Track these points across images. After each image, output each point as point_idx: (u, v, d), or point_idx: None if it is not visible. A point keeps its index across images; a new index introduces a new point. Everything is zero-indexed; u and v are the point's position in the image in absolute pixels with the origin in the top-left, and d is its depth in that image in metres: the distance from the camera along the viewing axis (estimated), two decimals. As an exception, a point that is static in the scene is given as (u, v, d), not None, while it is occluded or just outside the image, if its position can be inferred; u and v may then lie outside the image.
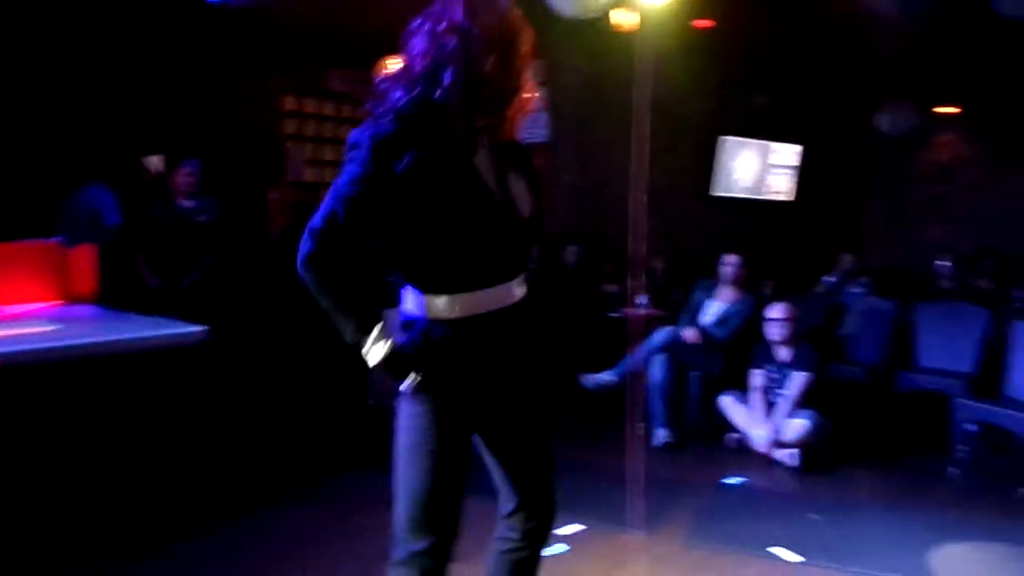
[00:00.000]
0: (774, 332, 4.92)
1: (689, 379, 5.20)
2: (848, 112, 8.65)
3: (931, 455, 4.82)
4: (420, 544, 1.85)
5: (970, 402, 4.71)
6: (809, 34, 7.37)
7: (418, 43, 1.76)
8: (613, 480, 4.30)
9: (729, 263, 5.38)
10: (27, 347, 3.32)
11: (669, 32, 5.93)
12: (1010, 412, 4.40)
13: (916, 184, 9.24)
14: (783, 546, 3.47)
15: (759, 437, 4.77)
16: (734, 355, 5.25)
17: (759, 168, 8.58)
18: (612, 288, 6.60)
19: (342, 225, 1.72)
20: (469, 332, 1.81)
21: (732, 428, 5.00)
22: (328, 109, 7.26)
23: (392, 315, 1.86)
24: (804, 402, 4.76)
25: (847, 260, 6.73)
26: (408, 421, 1.83)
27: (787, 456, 4.61)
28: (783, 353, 4.92)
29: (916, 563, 3.35)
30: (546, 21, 5.85)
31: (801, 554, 3.40)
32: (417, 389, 1.79)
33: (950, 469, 4.63)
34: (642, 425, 5.09)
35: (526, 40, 1.78)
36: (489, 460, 2.02)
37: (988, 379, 4.94)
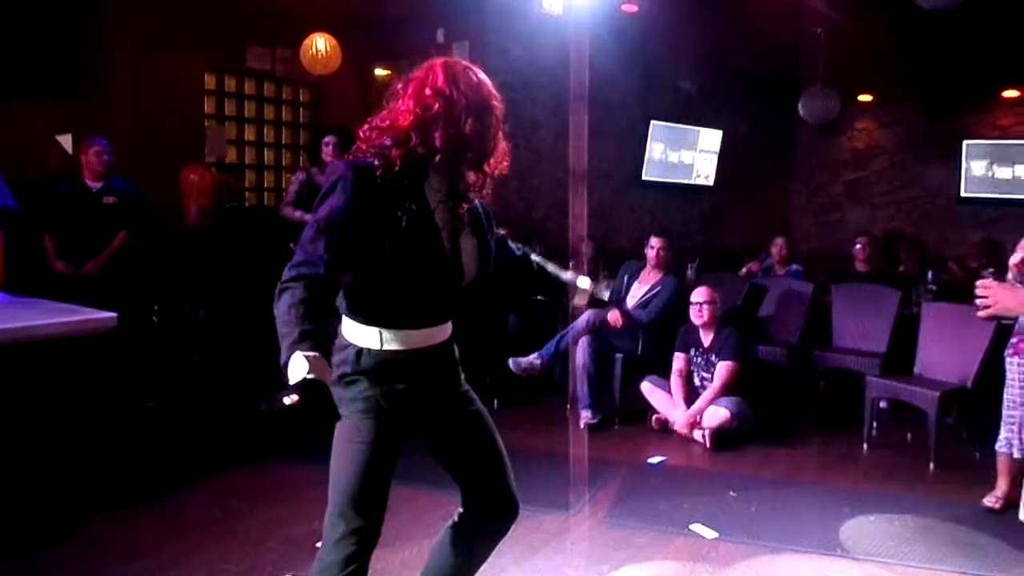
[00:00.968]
0: (696, 315, 5.00)
1: (613, 360, 5.26)
2: (772, 97, 8.83)
3: (845, 432, 4.99)
4: (350, 526, 1.93)
5: (881, 380, 4.88)
6: (733, 20, 7.48)
7: (404, 103, 1.91)
8: (538, 462, 4.34)
9: (653, 246, 5.45)
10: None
11: (597, 17, 5.95)
12: (919, 389, 4.57)
13: (834, 169, 9.51)
14: (701, 523, 3.54)
15: (678, 420, 4.86)
16: (658, 337, 5.32)
17: (685, 153, 8.70)
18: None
19: (322, 254, 1.78)
20: (396, 364, 1.95)
21: (655, 409, 5.08)
22: (249, 88, 7.07)
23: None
24: (729, 390, 4.85)
25: (779, 243, 6.88)
26: (347, 415, 1.88)
27: (706, 436, 4.71)
28: (707, 337, 5.00)
29: (828, 536, 3.47)
30: (473, 2, 5.84)
31: (718, 530, 3.48)
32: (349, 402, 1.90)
33: (863, 445, 4.80)
34: (567, 407, 5.16)
35: (498, 106, 1.96)
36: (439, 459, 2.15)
37: (900, 358, 5.11)
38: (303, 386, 1.62)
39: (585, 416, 5.03)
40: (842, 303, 5.73)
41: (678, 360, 5.07)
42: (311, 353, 1.64)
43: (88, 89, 6.16)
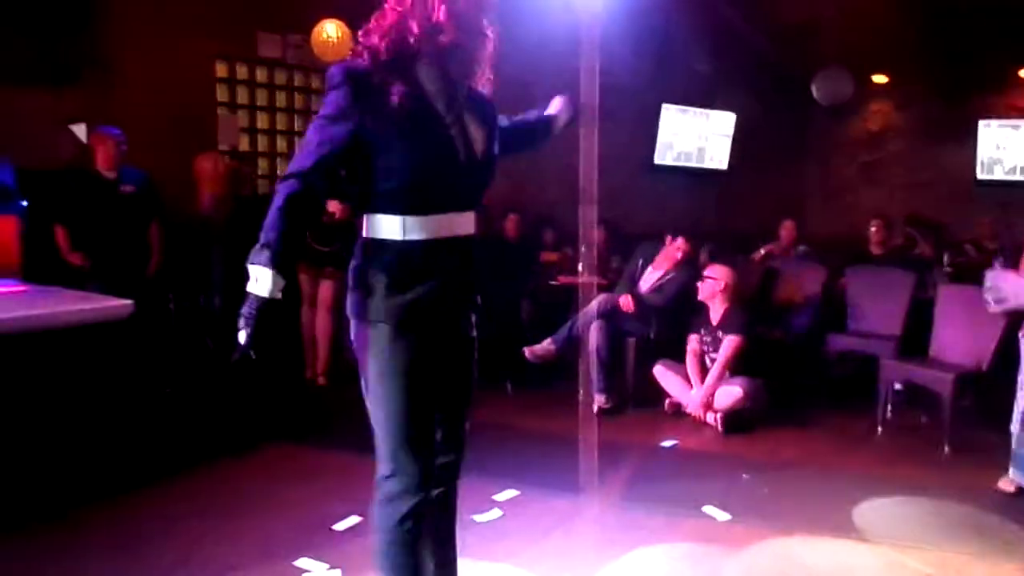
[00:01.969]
0: (706, 290, 4.99)
1: (626, 344, 5.26)
2: (784, 79, 8.75)
3: (859, 415, 4.98)
4: (402, 463, 1.97)
5: (896, 363, 4.86)
6: (747, 1, 7.41)
7: (388, 3, 2.01)
8: (549, 446, 4.36)
9: (680, 247, 5.40)
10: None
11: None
12: (934, 372, 4.55)
13: (848, 151, 9.43)
14: (714, 505, 3.55)
15: (692, 402, 4.86)
16: (672, 321, 5.32)
17: (699, 136, 8.66)
18: (551, 256, 6.62)
19: (324, 152, 1.91)
20: (416, 258, 1.98)
21: (669, 393, 5.09)
22: (261, 75, 7.08)
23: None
24: (737, 367, 4.85)
25: (787, 226, 6.85)
26: (373, 351, 1.99)
27: (718, 419, 4.71)
28: (715, 315, 5.00)
29: (842, 519, 3.46)
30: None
31: (731, 512, 3.49)
32: (376, 318, 1.97)
33: (877, 428, 4.78)
34: (581, 391, 5.16)
35: None
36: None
37: (915, 341, 5.09)
38: (260, 306, 1.86)
39: (598, 400, 5.05)
40: (856, 286, 5.70)
41: (691, 341, 5.08)
42: (270, 271, 1.87)
43: (99, 78, 6.18)
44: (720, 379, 4.81)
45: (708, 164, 8.82)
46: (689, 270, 5.39)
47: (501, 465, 4.04)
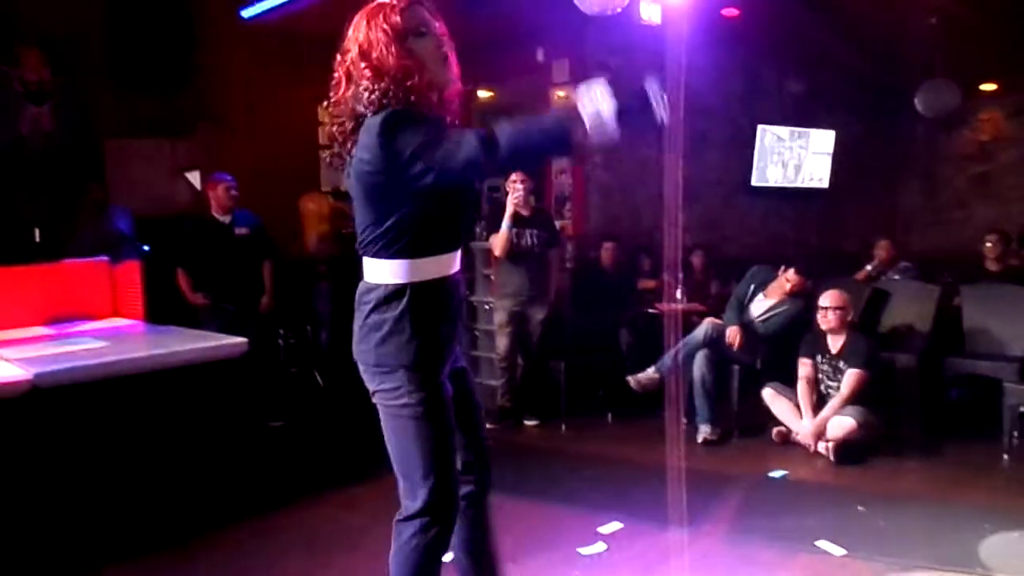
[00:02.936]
0: (829, 320, 4.83)
1: (731, 372, 5.16)
2: (883, 94, 8.49)
3: (981, 443, 4.73)
4: (434, 499, 2.07)
5: (1021, 386, 4.60)
6: (840, 16, 7.24)
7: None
8: (653, 477, 4.29)
9: (789, 280, 5.26)
10: (78, 364, 3.45)
11: (696, 23, 5.87)
12: (1063, 396, 4.29)
13: (957, 164, 9.03)
14: (828, 539, 3.43)
15: (803, 431, 4.71)
16: (778, 351, 5.19)
17: (797, 156, 8.47)
18: (649, 284, 6.58)
19: (468, 138, 1.89)
20: (430, 292, 2.07)
21: (776, 421, 4.94)
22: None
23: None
24: (855, 398, 4.67)
25: (883, 245, 6.61)
26: (401, 393, 2.05)
27: (830, 449, 4.55)
28: (835, 343, 4.83)
29: (964, 554, 3.28)
30: (572, 19, 5.87)
31: (846, 547, 3.36)
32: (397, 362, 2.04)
33: (1002, 456, 4.53)
34: (684, 421, 5.08)
35: (400, 23, 2.01)
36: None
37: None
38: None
39: (704, 431, 4.95)
40: (973, 305, 5.43)
41: (804, 366, 4.88)
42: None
43: (210, 128, 6.56)
44: (837, 411, 4.63)
45: (808, 183, 8.60)
46: (800, 301, 5.25)
47: (604, 497, 4.03)
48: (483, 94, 8.06)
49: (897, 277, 6.36)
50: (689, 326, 5.36)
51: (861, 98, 8.67)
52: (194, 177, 6.29)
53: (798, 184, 8.54)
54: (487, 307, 5.80)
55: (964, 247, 7.41)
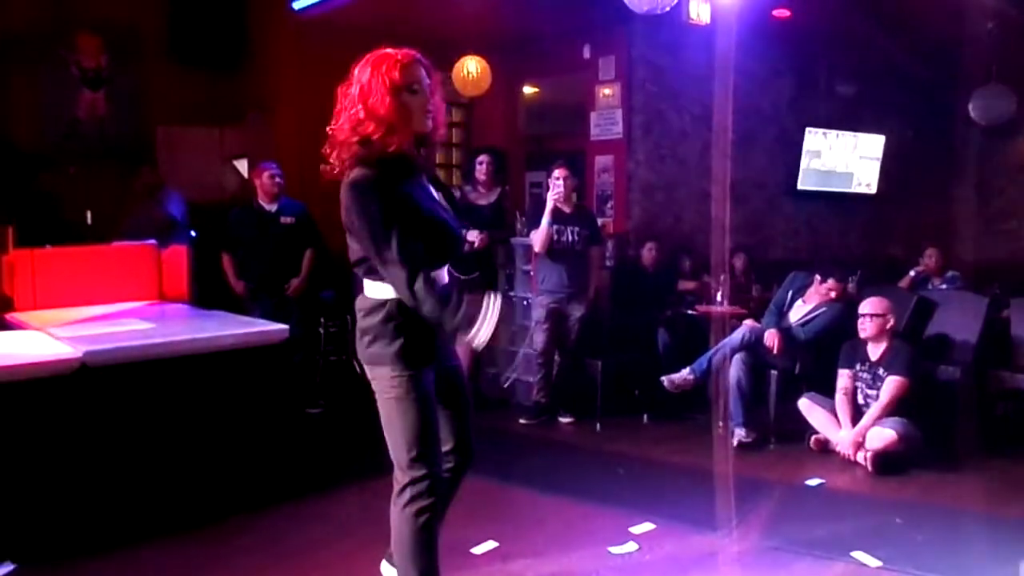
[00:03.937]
0: (867, 328, 4.76)
1: (768, 377, 5.10)
2: (936, 100, 8.32)
3: (1026, 458, 4.62)
4: (418, 471, 2.41)
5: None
6: (893, 20, 7.11)
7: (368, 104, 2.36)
8: (687, 479, 4.29)
9: (832, 288, 5.21)
10: (125, 344, 3.54)
11: (746, 24, 5.81)
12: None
13: (1010, 174, 8.81)
14: (864, 551, 3.38)
15: (842, 440, 4.64)
16: (817, 356, 5.12)
17: (844, 160, 8.34)
18: (689, 285, 6.54)
19: (401, 245, 2.28)
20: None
21: (814, 428, 4.88)
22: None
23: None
24: (894, 408, 4.59)
25: (931, 253, 6.48)
26: (389, 383, 2.43)
27: (869, 459, 4.47)
28: (875, 351, 4.76)
29: (1006, 571, 3.21)
30: (620, 16, 5.85)
31: (882, 559, 3.31)
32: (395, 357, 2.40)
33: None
34: (720, 424, 5.05)
35: (395, 76, 2.33)
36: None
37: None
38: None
39: (739, 434, 4.91)
40: (1023, 318, 5.30)
41: (843, 378, 4.81)
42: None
43: (257, 116, 6.65)
44: (877, 420, 4.56)
45: (855, 188, 8.47)
46: (840, 306, 5.18)
47: (637, 497, 4.01)
48: (529, 90, 8.06)
49: (944, 286, 6.24)
50: (728, 329, 5.32)
51: (913, 103, 8.50)
52: (242, 165, 6.39)
53: (846, 189, 8.41)
54: (526, 303, 5.82)
55: (1015, 259, 7.24)
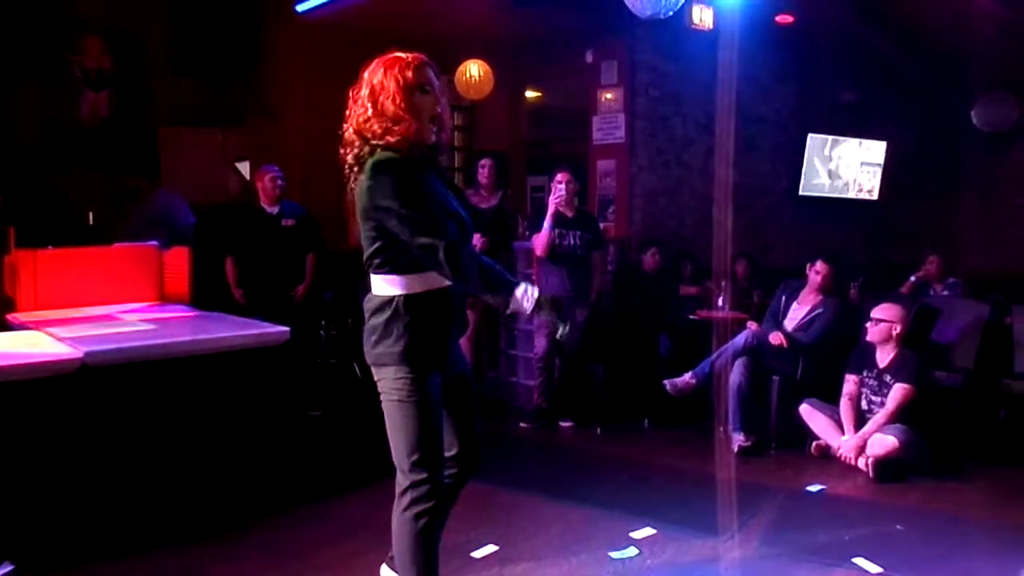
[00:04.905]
0: (880, 334, 4.74)
1: (770, 383, 5.09)
2: (939, 106, 8.33)
3: (1029, 465, 4.61)
4: (420, 475, 2.39)
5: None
6: (897, 27, 7.12)
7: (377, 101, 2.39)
8: (689, 484, 4.28)
9: (819, 271, 5.21)
10: (126, 345, 3.54)
11: (749, 29, 5.82)
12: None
13: (1013, 181, 8.80)
14: (864, 557, 3.37)
15: (844, 445, 4.63)
16: (818, 361, 5.11)
17: (847, 166, 8.34)
18: (691, 290, 6.53)
19: (432, 217, 2.27)
20: (432, 301, 2.41)
21: (815, 434, 4.87)
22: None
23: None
24: (898, 416, 4.58)
25: (931, 259, 6.47)
26: (393, 385, 2.40)
27: (870, 465, 4.46)
28: (883, 357, 4.74)
29: (1008, 579, 3.22)
30: (623, 21, 5.86)
31: (883, 565, 3.30)
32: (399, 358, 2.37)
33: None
34: (721, 429, 5.04)
35: (402, 77, 2.36)
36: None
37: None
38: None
39: (738, 439, 4.90)
40: (1025, 326, 5.30)
41: (849, 383, 4.79)
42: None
43: (261, 119, 6.66)
44: (881, 427, 4.54)
45: (857, 194, 8.46)
46: (835, 305, 5.18)
47: (638, 501, 4.00)
48: (531, 94, 8.07)
49: (945, 292, 6.23)
50: (730, 334, 5.31)
51: (916, 110, 8.50)
52: (244, 167, 6.40)
53: (848, 195, 8.40)
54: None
55: (1018, 266, 7.23)
